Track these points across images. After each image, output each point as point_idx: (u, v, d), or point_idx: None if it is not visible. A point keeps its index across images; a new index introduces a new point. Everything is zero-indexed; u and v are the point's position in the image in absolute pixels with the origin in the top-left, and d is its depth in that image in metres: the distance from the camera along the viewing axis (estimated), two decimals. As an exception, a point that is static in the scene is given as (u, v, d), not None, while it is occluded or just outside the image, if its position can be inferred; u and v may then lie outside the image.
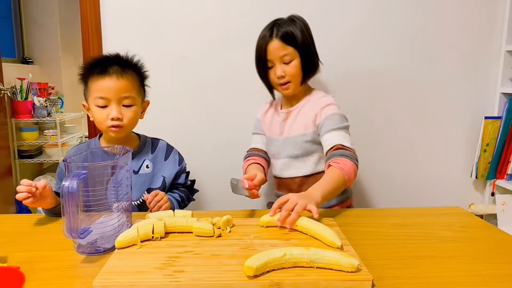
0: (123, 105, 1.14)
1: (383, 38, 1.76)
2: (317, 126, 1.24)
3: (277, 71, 1.23)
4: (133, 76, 1.16)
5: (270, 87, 1.35)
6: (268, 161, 1.43)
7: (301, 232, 0.88)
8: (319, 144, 1.25)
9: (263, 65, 1.27)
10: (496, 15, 1.79)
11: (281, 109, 1.37)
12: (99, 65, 1.12)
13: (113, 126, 1.13)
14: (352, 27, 1.74)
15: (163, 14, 1.72)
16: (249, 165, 1.36)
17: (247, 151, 1.47)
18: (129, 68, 1.16)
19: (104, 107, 1.12)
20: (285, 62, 1.23)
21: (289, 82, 1.24)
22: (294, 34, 1.21)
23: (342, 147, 1.13)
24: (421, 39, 1.78)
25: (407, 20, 1.76)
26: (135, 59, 1.19)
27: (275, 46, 1.22)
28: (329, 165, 1.09)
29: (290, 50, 1.21)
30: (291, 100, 1.34)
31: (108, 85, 1.10)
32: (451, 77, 1.82)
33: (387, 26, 1.76)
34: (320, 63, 1.31)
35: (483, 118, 1.83)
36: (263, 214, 0.94)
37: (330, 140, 1.16)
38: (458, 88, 1.83)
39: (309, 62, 1.26)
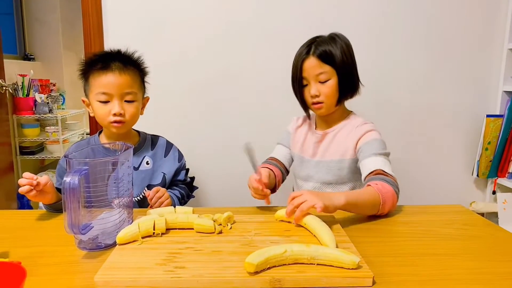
0: (125, 101, 1.14)
1: (384, 36, 1.76)
2: (356, 153, 1.17)
3: (311, 90, 1.16)
4: (134, 72, 1.16)
5: (305, 104, 1.25)
6: (283, 174, 1.34)
7: (306, 229, 0.88)
8: (356, 173, 1.19)
9: (298, 83, 1.19)
10: (499, 14, 1.78)
11: (315, 128, 1.29)
12: (100, 60, 1.12)
13: (115, 122, 1.13)
14: (352, 26, 1.74)
15: (164, 11, 1.72)
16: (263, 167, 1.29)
17: (266, 159, 1.38)
18: (130, 64, 1.16)
19: (106, 102, 1.12)
20: (320, 81, 1.15)
21: (322, 102, 1.17)
22: (332, 53, 1.13)
23: (383, 172, 1.05)
24: (423, 37, 1.77)
25: (410, 19, 1.76)
26: (136, 55, 1.19)
27: (311, 64, 1.14)
28: (368, 185, 1.02)
29: (327, 68, 1.14)
30: (328, 121, 1.25)
31: (110, 80, 1.11)
32: (453, 75, 1.82)
33: (389, 24, 1.75)
34: (360, 85, 1.22)
35: (485, 116, 1.83)
36: (265, 211, 0.95)
37: (370, 165, 1.09)
38: (460, 86, 1.83)
39: (347, 83, 1.17)
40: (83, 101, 1.20)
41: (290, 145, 1.35)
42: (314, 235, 0.85)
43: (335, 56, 1.13)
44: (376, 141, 1.14)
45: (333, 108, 1.20)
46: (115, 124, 1.14)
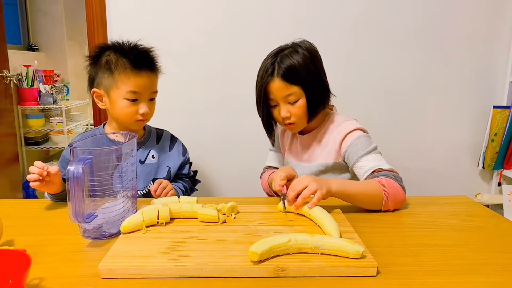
0: (150, 99, 1.17)
1: (389, 26, 1.74)
2: (342, 156, 1.14)
3: (282, 112, 1.11)
4: (157, 73, 1.20)
5: (269, 126, 1.19)
6: None
7: (309, 219, 0.88)
8: (340, 173, 1.17)
9: (264, 104, 1.13)
10: (506, 3, 1.75)
11: (299, 133, 1.24)
12: (130, 59, 1.12)
13: (140, 120, 1.16)
14: (356, 18, 1.72)
15: (167, 2, 1.70)
16: (270, 174, 1.28)
17: (263, 169, 1.37)
18: (155, 65, 1.19)
19: (134, 101, 1.13)
20: (290, 102, 1.10)
21: (294, 122, 1.12)
22: (297, 70, 1.06)
23: (382, 170, 1.03)
24: (430, 28, 1.75)
25: (417, 9, 1.73)
26: (154, 55, 1.20)
27: (277, 86, 1.08)
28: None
29: (294, 89, 1.08)
30: (309, 125, 1.19)
31: (144, 81, 1.13)
32: (460, 66, 1.80)
33: (394, 13, 1.73)
34: (332, 96, 1.16)
35: (492, 107, 1.81)
36: (268, 202, 0.95)
37: (366, 166, 1.05)
38: (467, 77, 1.81)
39: (317, 99, 1.11)
40: (94, 92, 1.17)
41: (281, 149, 1.34)
42: (318, 225, 0.85)
43: (300, 74, 1.07)
44: (360, 140, 1.10)
45: (306, 124, 1.15)
46: (140, 122, 1.17)
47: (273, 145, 1.29)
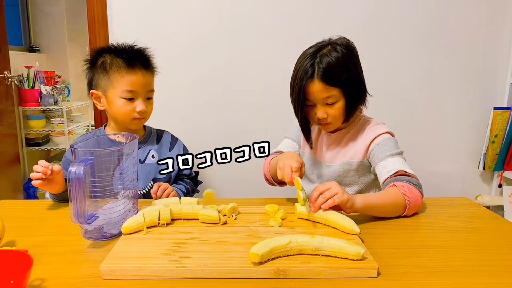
0: (147, 98, 1.18)
1: (390, 29, 1.74)
2: (368, 155, 1.12)
3: (318, 113, 1.07)
4: (152, 72, 1.21)
5: (307, 128, 1.16)
6: None
7: (319, 222, 0.87)
8: (362, 175, 1.16)
9: (301, 104, 1.08)
10: (507, 5, 1.76)
11: (329, 131, 1.20)
12: (124, 58, 1.13)
13: (138, 119, 1.17)
14: (356, 19, 1.72)
15: (169, 3, 1.71)
16: (273, 158, 1.21)
17: (273, 152, 1.28)
18: (150, 64, 1.19)
19: (130, 99, 1.15)
20: (328, 103, 1.06)
21: (330, 122, 1.10)
22: (337, 70, 1.02)
23: (405, 173, 1.01)
24: (430, 30, 1.75)
25: (418, 11, 1.73)
26: (149, 54, 1.20)
27: (317, 88, 1.03)
28: (393, 185, 0.98)
29: (334, 92, 1.04)
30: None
31: (138, 79, 1.14)
32: (461, 67, 1.80)
33: (394, 16, 1.73)
34: (368, 95, 1.13)
35: (492, 109, 1.81)
36: (268, 203, 0.94)
37: (390, 166, 1.04)
38: (468, 78, 1.81)
39: (355, 100, 1.09)
40: (92, 94, 1.19)
41: (300, 141, 1.29)
42: (333, 227, 0.84)
43: (340, 76, 1.03)
44: (389, 141, 1.10)
45: (341, 124, 1.14)
46: (137, 121, 1.18)
47: (311, 148, 1.24)
